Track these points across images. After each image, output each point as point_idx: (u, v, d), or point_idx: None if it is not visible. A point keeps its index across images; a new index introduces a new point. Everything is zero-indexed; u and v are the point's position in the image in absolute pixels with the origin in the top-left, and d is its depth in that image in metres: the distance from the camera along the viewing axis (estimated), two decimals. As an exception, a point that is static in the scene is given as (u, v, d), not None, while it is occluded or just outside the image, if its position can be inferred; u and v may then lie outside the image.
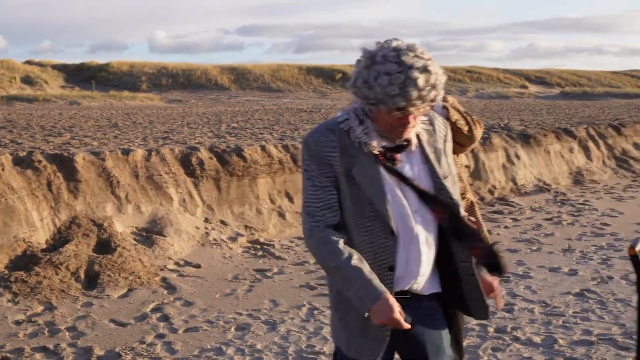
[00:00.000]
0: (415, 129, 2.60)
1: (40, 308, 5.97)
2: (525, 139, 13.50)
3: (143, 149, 8.78)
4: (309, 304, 6.20)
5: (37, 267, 6.58)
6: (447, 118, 3.41)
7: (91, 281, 6.64)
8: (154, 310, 6.07)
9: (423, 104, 2.43)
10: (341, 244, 2.52)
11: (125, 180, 8.12)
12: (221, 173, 8.91)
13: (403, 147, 2.58)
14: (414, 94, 2.37)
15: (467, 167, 11.89)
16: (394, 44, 2.43)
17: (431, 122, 2.70)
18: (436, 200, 2.58)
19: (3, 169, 7.27)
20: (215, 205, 8.70)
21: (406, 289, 2.61)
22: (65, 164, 7.86)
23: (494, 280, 2.77)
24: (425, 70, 2.38)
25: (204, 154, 9.02)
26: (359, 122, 2.56)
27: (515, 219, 10.09)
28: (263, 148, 9.69)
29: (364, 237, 2.55)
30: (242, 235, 8.36)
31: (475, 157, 12.16)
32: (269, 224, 8.85)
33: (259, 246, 8.21)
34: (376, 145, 2.55)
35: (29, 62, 50.81)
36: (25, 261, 6.74)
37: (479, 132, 3.77)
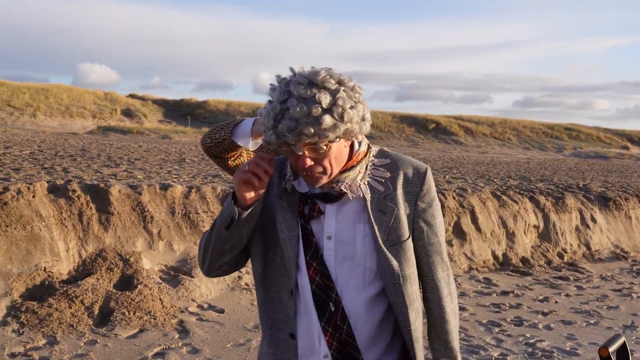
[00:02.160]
0: (356, 175, 2.13)
1: (42, 342, 5.75)
2: (604, 201, 12.63)
3: (184, 186, 8.56)
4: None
5: (52, 299, 6.39)
6: None
7: (104, 318, 6.40)
8: (157, 355, 5.74)
9: (303, 140, 1.94)
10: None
11: (159, 216, 7.91)
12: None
13: (333, 197, 2.13)
14: (284, 127, 1.91)
15: (535, 227, 11.18)
16: (298, 71, 2.02)
17: (394, 172, 2.19)
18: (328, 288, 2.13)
19: (34, 196, 7.17)
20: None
21: None
22: (99, 195, 7.72)
23: None
24: (312, 100, 1.92)
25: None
26: None
27: (579, 287, 9.31)
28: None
29: (270, 292, 2.19)
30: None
31: (546, 217, 11.42)
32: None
33: (292, 295, 7.79)
34: (299, 187, 2.16)
35: (131, 96, 52.67)
36: (42, 291, 6.57)
37: None
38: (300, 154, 1.99)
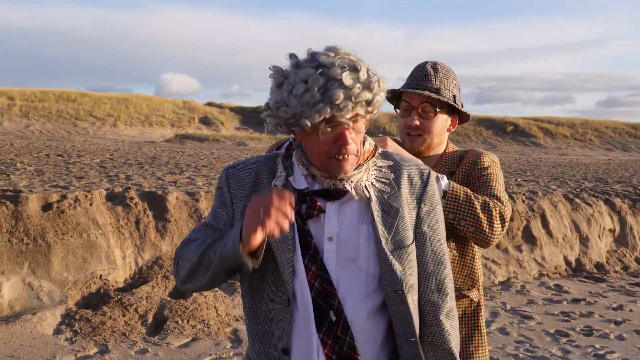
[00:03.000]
0: (362, 175, 1.98)
1: (93, 350, 5.74)
2: (687, 203, 11.95)
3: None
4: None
5: (106, 307, 6.40)
6: None
7: (157, 326, 6.36)
8: (206, 364, 5.66)
9: (356, 109, 1.83)
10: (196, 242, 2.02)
11: (216, 222, 7.86)
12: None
13: (335, 193, 1.95)
14: (340, 94, 1.79)
15: (611, 231, 10.66)
16: (310, 51, 1.90)
17: (397, 171, 2.04)
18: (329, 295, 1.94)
19: (91, 204, 7.22)
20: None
21: None
22: (157, 202, 7.72)
23: None
24: (352, 67, 1.83)
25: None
26: (290, 155, 2.03)
27: (658, 295, 8.80)
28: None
29: (260, 303, 2.00)
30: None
31: (622, 221, 10.88)
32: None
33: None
34: (295, 183, 1.98)
35: (209, 104, 53.48)
36: (97, 300, 6.59)
37: (491, 234, 2.47)
38: (353, 127, 1.87)
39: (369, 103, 1.85)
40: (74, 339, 5.90)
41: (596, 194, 11.49)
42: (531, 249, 9.66)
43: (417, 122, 2.58)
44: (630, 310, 7.96)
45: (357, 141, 1.92)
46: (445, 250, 2.09)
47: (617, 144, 48.71)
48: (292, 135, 2.01)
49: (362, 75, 1.83)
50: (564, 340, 6.69)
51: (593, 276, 9.59)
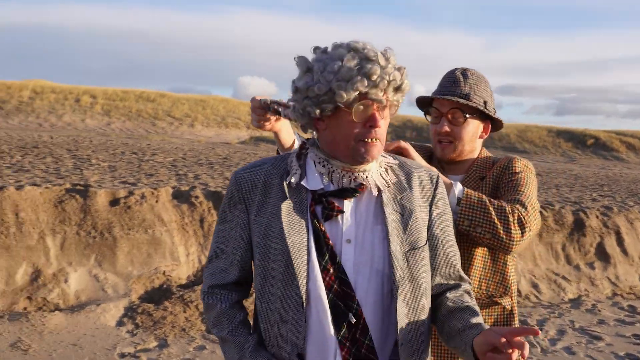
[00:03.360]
0: (375, 175, 1.98)
1: (153, 344, 5.81)
2: None
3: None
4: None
5: (168, 302, 6.48)
6: None
7: (217, 324, 6.40)
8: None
9: (389, 89, 1.88)
10: (225, 307, 2.02)
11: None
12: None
13: (350, 192, 1.94)
14: (376, 69, 1.83)
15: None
16: (336, 43, 1.93)
17: (408, 174, 2.04)
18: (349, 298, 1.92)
19: (157, 201, 7.33)
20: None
21: None
22: (221, 201, 7.78)
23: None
24: (383, 55, 1.88)
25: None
26: (303, 155, 2.03)
27: None
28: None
29: (273, 306, 1.95)
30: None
31: None
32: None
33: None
34: (309, 184, 1.96)
35: (285, 108, 53.93)
36: (159, 295, 6.68)
37: (509, 240, 2.36)
38: (380, 108, 1.89)
39: (399, 87, 1.90)
40: (134, 332, 5.99)
41: (677, 212, 11.02)
42: (604, 267, 9.33)
43: (447, 129, 2.54)
44: None
45: (384, 127, 1.93)
46: (457, 253, 2.11)
47: None
48: (313, 133, 2.02)
49: (392, 60, 1.89)
50: None
51: (671, 298, 9.19)
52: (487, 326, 1.91)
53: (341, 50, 1.86)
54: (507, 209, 2.35)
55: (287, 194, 1.94)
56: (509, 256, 2.53)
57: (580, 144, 47.93)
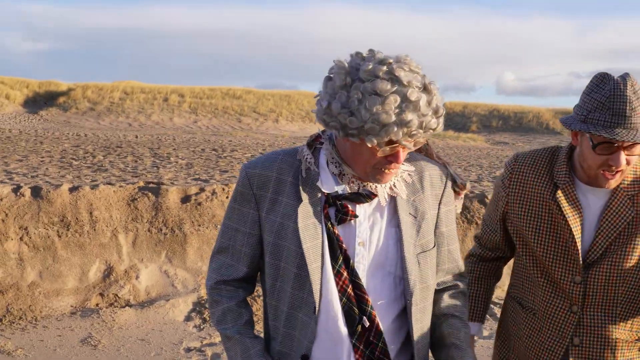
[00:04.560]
0: (386, 186, 1.95)
1: (219, 338, 5.92)
2: None
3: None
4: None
5: (235, 297, 6.58)
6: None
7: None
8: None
9: (422, 136, 1.78)
10: (232, 305, 2.00)
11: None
12: (458, 220, 8.23)
13: (363, 197, 1.91)
14: (415, 121, 1.72)
15: None
16: (379, 55, 1.79)
17: (419, 173, 2.01)
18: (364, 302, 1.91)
19: (227, 197, 7.45)
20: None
21: None
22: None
23: None
24: (425, 89, 1.75)
25: (441, 197, 8.43)
26: (320, 152, 1.97)
27: None
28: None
29: (282, 305, 1.93)
30: (469, 290, 7.60)
31: None
32: (505, 279, 7.94)
33: (484, 304, 7.38)
34: (324, 187, 1.91)
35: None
36: (228, 289, 6.79)
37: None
38: (407, 147, 1.79)
39: (433, 130, 1.80)
40: (202, 327, 6.11)
41: None
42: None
43: (623, 167, 2.13)
44: None
45: (405, 156, 1.86)
46: (458, 247, 2.11)
47: None
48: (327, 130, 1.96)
49: (433, 99, 1.76)
50: None
51: None
52: (468, 353, 2.00)
53: (384, 83, 1.71)
54: None
55: (302, 195, 1.91)
56: None
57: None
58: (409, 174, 1.99)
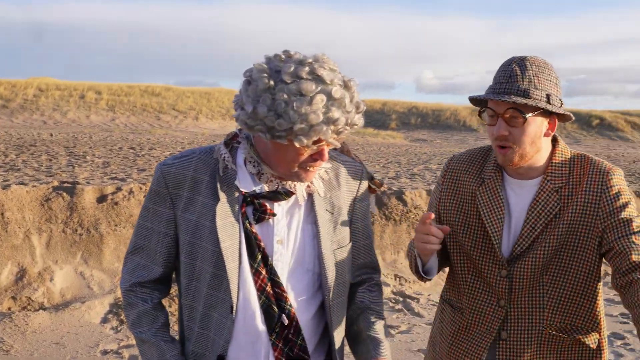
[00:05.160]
0: (304, 184, 1.99)
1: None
2: None
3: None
4: (412, 373, 5.43)
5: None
6: None
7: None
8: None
9: (347, 133, 1.83)
10: (147, 308, 1.99)
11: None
12: (376, 216, 8.35)
13: (281, 195, 1.93)
14: (342, 118, 1.77)
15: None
16: (297, 56, 1.81)
17: (336, 170, 2.06)
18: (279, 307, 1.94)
19: (145, 196, 7.35)
20: (365, 250, 8.15)
21: None
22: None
23: None
24: (346, 86, 1.80)
25: (360, 194, 8.52)
26: (237, 150, 1.98)
27: None
28: (429, 193, 8.97)
29: (198, 305, 1.93)
30: (387, 285, 7.72)
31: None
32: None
33: (401, 299, 7.52)
34: (242, 186, 1.93)
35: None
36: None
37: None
38: (326, 147, 1.86)
39: (356, 126, 1.85)
40: (119, 328, 6.02)
41: (672, 192, 10.97)
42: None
43: (505, 132, 2.19)
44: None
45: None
46: (373, 243, 2.16)
47: None
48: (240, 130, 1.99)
49: (354, 95, 1.82)
50: (619, 343, 6.41)
51: (664, 277, 9.16)
52: (384, 345, 2.03)
53: (308, 84, 1.74)
54: None
55: (219, 194, 1.91)
56: (599, 283, 2.32)
57: (585, 125, 47.72)
58: (325, 171, 2.03)
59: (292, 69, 1.76)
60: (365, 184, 2.11)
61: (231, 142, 1.99)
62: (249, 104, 1.80)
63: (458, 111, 49.68)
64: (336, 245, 2.00)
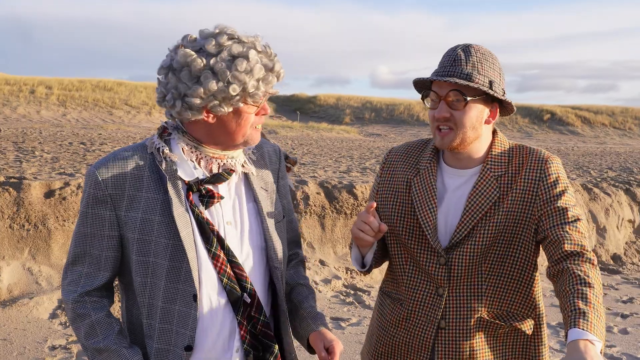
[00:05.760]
0: (241, 153, 2.06)
1: (86, 335, 5.81)
2: None
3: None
4: (361, 364, 5.48)
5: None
6: None
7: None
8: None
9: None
10: (101, 317, 1.94)
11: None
12: (327, 210, 8.40)
13: (222, 177, 1.98)
14: (276, 65, 1.93)
15: (630, 222, 10.43)
16: (206, 31, 1.91)
17: (260, 150, 2.16)
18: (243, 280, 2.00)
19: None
20: (317, 243, 8.20)
21: None
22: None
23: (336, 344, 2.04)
24: (265, 46, 1.95)
25: (311, 188, 8.57)
26: (171, 142, 1.99)
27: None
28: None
29: (157, 301, 1.92)
30: (339, 278, 7.78)
31: (642, 212, 10.64)
32: (374, 268, 8.18)
33: (352, 292, 7.58)
34: (184, 175, 1.95)
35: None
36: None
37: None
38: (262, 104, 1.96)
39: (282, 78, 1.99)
40: (67, 324, 5.96)
41: (617, 184, 11.25)
42: (545, 239, 9.50)
43: (446, 114, 2.20)
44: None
45: None
46: (296, 219, 2.27)
47: (658, 133, 47.74)
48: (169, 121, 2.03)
49: (272, 49, 1.94)
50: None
51: (608, 268, 9.40)
52: (321, 317, 2.12)
53: (236, 46, 1.85)
54: (591, 280, 2.03)
55: (164, 187, 1.91)
56: (536, 271, 2.34)
57: (537, 119, 48.55)
58: (252, 152, 2.11)
59: (212, 42, 1.86)
60: (284, 163, 2.23)
61: (163, 135, 1.99)
62: (191, 89, 1.85)
63: (412, 106, 50.07)
64: (275, 220, 2.08)
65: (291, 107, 50.63)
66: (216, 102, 1.86)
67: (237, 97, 1.86)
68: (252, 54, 1.85)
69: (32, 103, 37.45)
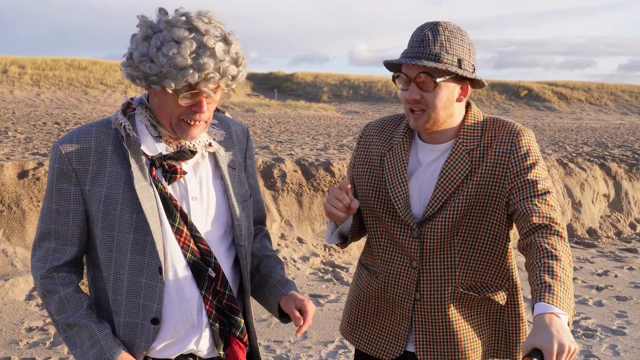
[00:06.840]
0: (206, 135, 2.05)
1: (63, 316, 5.77)
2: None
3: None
4: (340, 341, 5.51)
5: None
6: None
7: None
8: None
9: (222, 81, 1.86)
10: (69, 292, 1.95)
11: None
12: (304, 187, 8.39)
13: (186, 154, 1.99)
14: (211, 64, 1.82)
15: (605, 196, 10.53)
16: (181, 10, 1.89)
17: (227, 129, 2.16)
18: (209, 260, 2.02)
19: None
20: (295, 221, 8.20)
21: (186, 352, 2.03)
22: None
23: (308, 305, 2.08)
24: (224, 39, 1.87)
25: (288, 166, 8.55)
26: (135, 118, 2.00)
27: (647, 261, 8.70)
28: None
29: (122, 275, 1.93)
30: (317, 256, 7.80)
31: (617, 186, 10.74)
32: (352, 245, 8.20)
33: (331, 269, 7.60)
34: (147, 150, 1.96)
35: (221, 71, 53.39)
36: (71, 266, 6.61)
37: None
38: (210, 97, 1.88)
39: (233, 78, 1.89)
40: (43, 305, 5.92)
41: (592, 159, 11.34)
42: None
43: (417, 96, 2.21)
44: (615, 276, 7.87)
45: (211, 110, 1.96)
46: (262, 197, 2.35)
47: (633, 108, 48.16)
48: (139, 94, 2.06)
49: (232, 48, 1.87)
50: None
51: (584, 242, 9.49)
52: (291, 283, 2.16)
53: (181, 30, 1.81)
54: (562, 255, 2.03)
55: (127, 162, 1.92)
56: (509, 243, 2.35)
57: (514, 95, 48.78)
58: (221, 134, 2.12)
59: (169, 18, 1.85)
60: (251, 142, 2.24)
61: (127, 110, 2.00)
62: (127, 54, 1.91)
63: (389, 83, 50.02)
64: (242, 198, 2.11)
65: (269, 85, 50.41)
66: (137, 74, 1.87)
67: (154, 78, 1.84)
68: (188, 44, 1.80)
69: (4, 83, 36.93)
